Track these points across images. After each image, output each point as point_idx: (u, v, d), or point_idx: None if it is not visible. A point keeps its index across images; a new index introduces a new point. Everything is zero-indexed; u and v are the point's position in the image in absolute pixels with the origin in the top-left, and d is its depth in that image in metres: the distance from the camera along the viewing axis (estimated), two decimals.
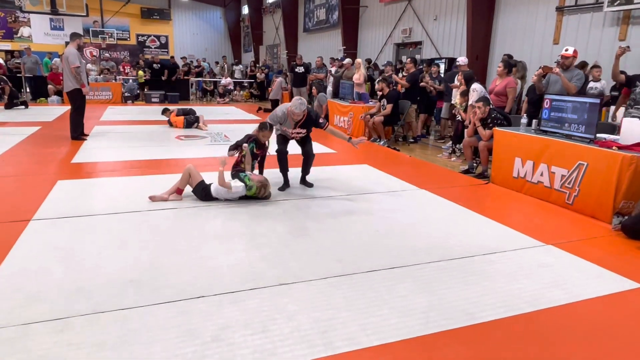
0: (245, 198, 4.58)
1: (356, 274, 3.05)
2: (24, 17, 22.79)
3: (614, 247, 3.75)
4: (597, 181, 4.35)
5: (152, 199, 4.47)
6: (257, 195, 4.56)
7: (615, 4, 7.68)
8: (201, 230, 3.81)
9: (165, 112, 10.15)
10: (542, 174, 4.99)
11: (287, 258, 3.29)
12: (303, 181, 5.39)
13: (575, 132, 4.78)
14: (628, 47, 6.08)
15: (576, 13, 8.63)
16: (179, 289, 2.77)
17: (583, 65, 7.07)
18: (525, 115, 5.93)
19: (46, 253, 3.24)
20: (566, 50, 5.74)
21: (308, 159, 5.30)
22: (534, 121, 5.44)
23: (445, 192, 5.16)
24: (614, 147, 4.28)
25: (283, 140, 5.23)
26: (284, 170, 5.20)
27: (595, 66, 7.05)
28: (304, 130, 5.21)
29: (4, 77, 12.66)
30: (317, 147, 7.89)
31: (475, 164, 6.33)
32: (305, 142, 5.31)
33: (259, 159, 5.18)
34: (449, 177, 6.10)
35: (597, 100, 4.65)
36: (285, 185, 5.19)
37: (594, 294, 2.88)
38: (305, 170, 5.37)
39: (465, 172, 6.30)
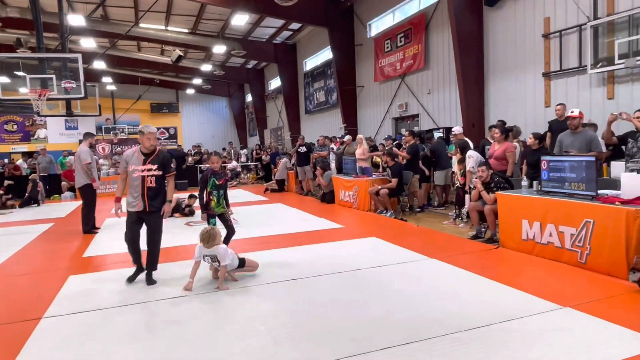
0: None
1: (370, 352, 2.97)
2: (41, 121, 24.23)
3: (634, 304, 3.64)
4: (607, 237, 4.31)
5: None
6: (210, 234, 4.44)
7: (598, 66, 8.06)
8: (210, 316, 3.77)
9: (192, 197, 10.06)
10: (550, 234, 4.97)
11: (300, 340, 3.23)
12: (148, 278, 4.72)
13: (576, 190, 4.83)
14: (621, 113, 5.94)
15: (562, 77, 9.04)
16: None
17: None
18: (525, 177, 6.02)
19: (56, 352, 3.21)
20: (572, 112, 5.98)
21: (154, 249, 4.77)
22: (535, 182, 5.52)
23: (456, 260, 5.11)
24: (616, 202, 4.30)
25: (131, 225, 4.88)
26: (135, 259, 4.85)
27: (590, 124, 7.26)
28: (156, 167, 4.62)
29: (35, 179, 13.07)
30: (323, 223, 8.00)
31: (483, 229, 6.31)
32: (153, 231, 4.80)
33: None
34: (458, 243, 6.06)
35: (593, 158, 4.75)
36: (136, 273, 4.81)
37: (619, 357, 2.77)
38: (150, 265, 4.76)
39: (474, 237, 6.26)
